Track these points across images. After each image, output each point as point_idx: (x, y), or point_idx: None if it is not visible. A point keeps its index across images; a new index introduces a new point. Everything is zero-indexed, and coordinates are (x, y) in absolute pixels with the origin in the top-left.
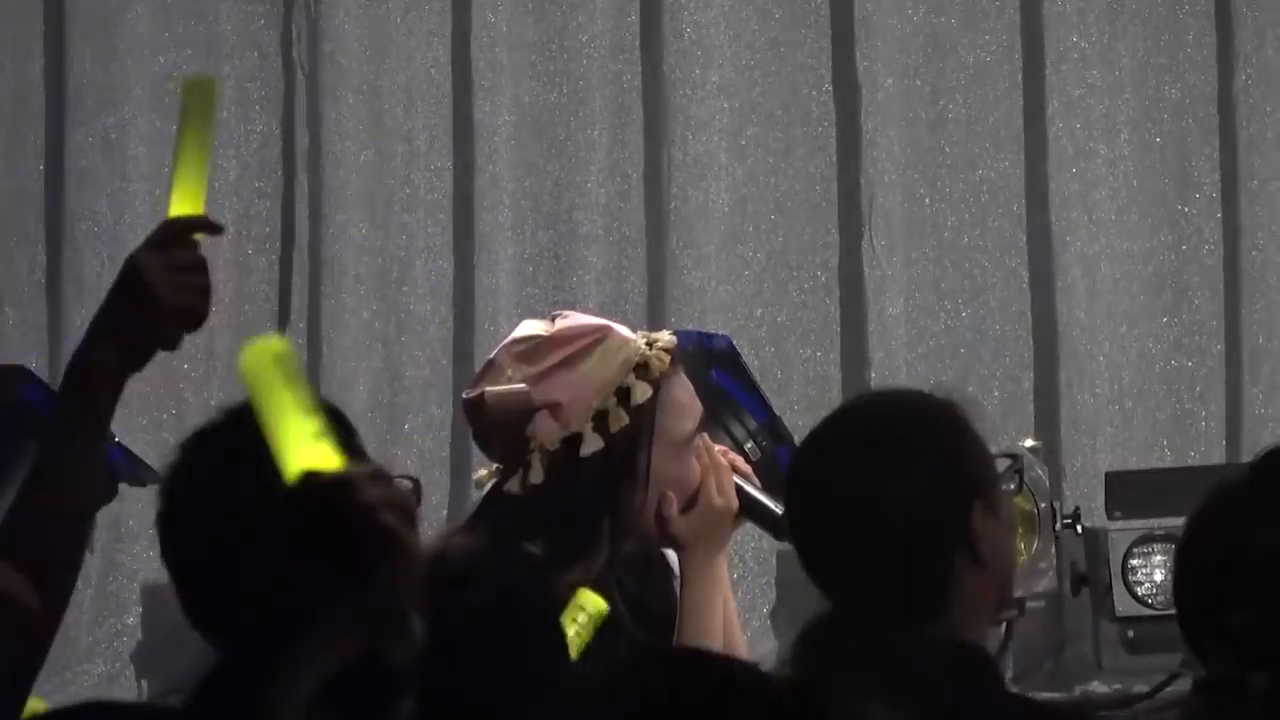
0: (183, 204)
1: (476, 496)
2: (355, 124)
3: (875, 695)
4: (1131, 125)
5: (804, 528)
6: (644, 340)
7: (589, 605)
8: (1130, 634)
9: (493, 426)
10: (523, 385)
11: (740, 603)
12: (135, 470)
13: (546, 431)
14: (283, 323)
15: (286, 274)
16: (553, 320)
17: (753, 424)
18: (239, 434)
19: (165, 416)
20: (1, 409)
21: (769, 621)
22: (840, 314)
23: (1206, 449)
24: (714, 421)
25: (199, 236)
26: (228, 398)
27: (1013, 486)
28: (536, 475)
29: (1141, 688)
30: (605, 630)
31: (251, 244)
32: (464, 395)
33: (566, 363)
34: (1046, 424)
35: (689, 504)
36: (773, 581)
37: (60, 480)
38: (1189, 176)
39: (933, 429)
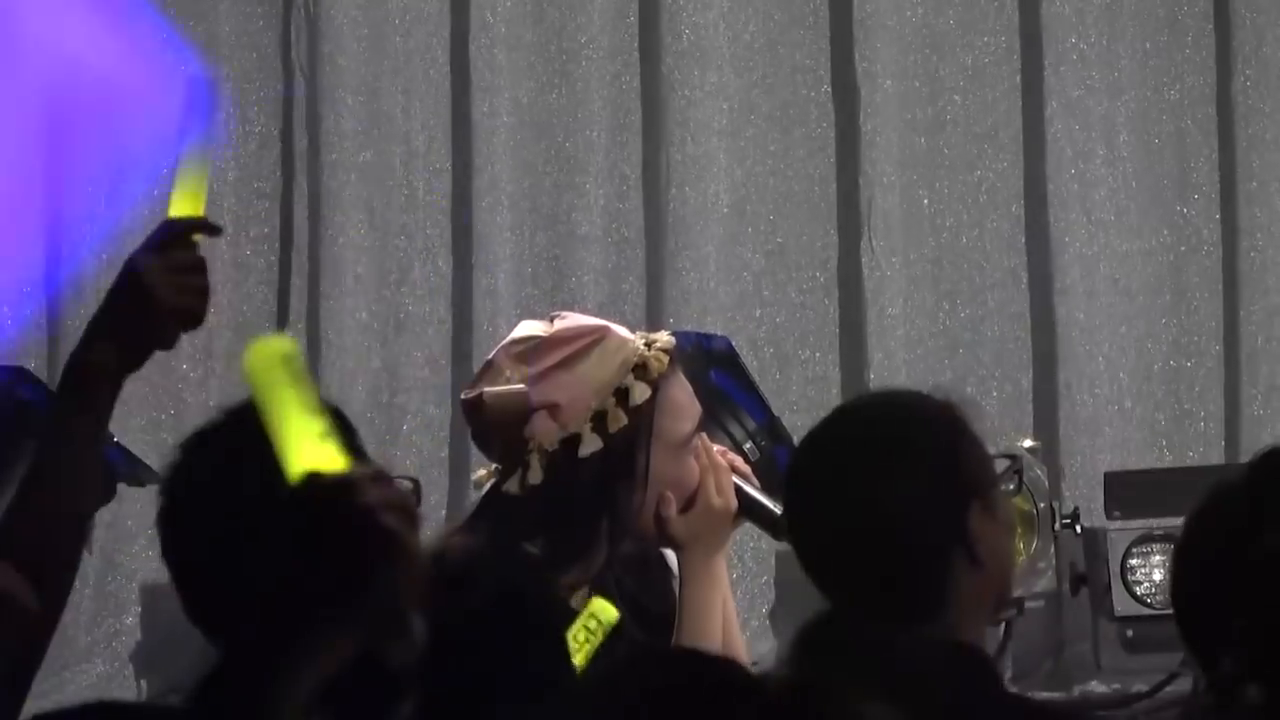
0: (183, 205)
1: (475, 497)
2: (354, 125)
3: (872, 695)
4: (1130, 126)
5: (802, 528)
6: (642, 341)
7: (601, 614)
8: (1129, 634)
9: (491, 427)
10: (521, 386)
11: (739, 603)
12: (134, 470)
13: (545, 432)
14: (281, 323)
15: (285, 274)
16: (551, 321)
17: (751, 424)
18: (240, 434)
19: (164, 416)
20: (0, 409)
21: (768, 621)
22: (839, 315)
23: (1205, 449)
24: (713, 422)
25: (198, 237)
26: (227, 398)
27: (1012, 487)
28: (535, 476)
29: (1141, 687)
30: (612, 637)
31: (250, 244)
32: (463, 396)
33: (565, 363)
34: (1046, 424)
35: (688, 504)
36: (772, 581)
37: (58, 480)
38: (1188, 177)
39: (930, 430)
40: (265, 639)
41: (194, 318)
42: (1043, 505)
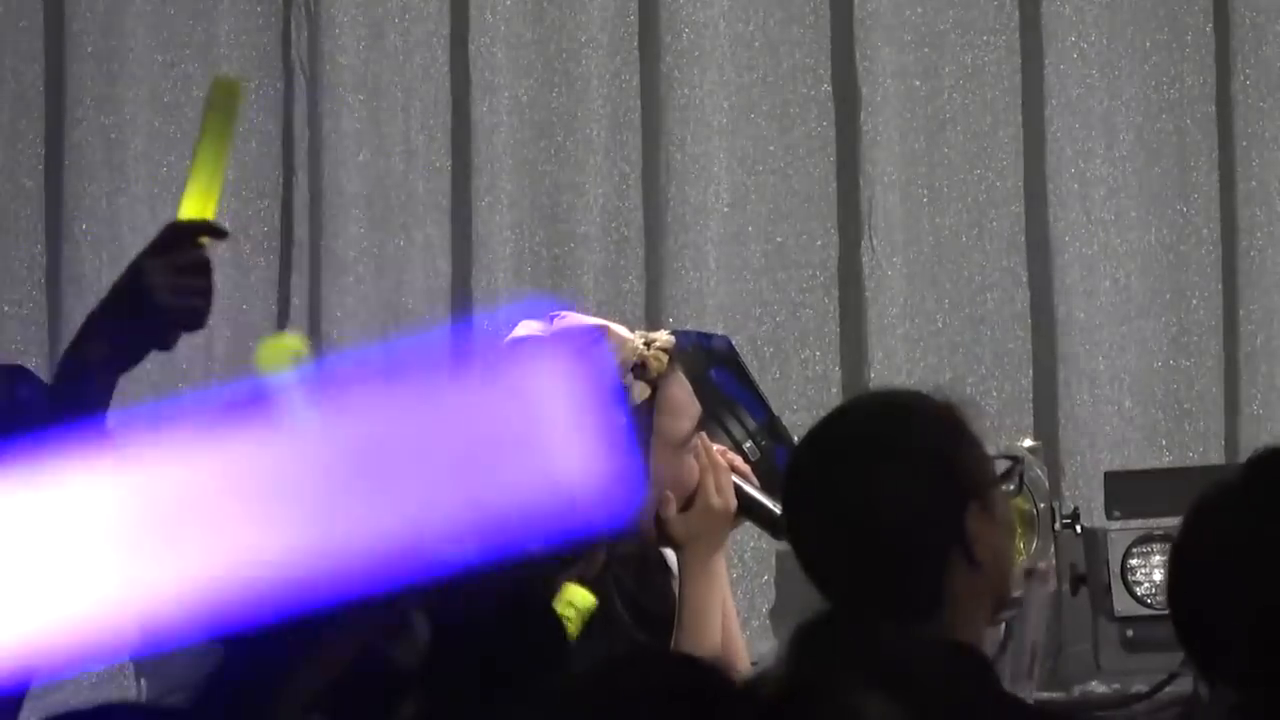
0: (193, 206)
1: None
2: (354, 124)
3: (868, 694)
4: (1130, 125)
5: (800, 527)
6: (642, 340)
7: (577, 600)
8: (1129, 634)
9: None
10: None
11: (739, 602)
12: None
13: None
14: (281, 323)
15: (285, 274)
16: (551, 321)
17: (751, 424)
18: None
19: None
20: None
21: (768, 621)
22: (839, 314)
23: (1205, 449)
24: (712, 421)
25: (205, 239)
26: None
27: (1013, 488)
28: None
29: (1140, 687)
30: (592, 625)
31: (250, 244)
32: None
33: None
34: (1046, 424)
35: (687, 504)
36: (772, 581)
37: None
38: (1188, 177)
39: (929, 431)
40: (265, 639)
41: (196, 318)
42: (1042, 505)
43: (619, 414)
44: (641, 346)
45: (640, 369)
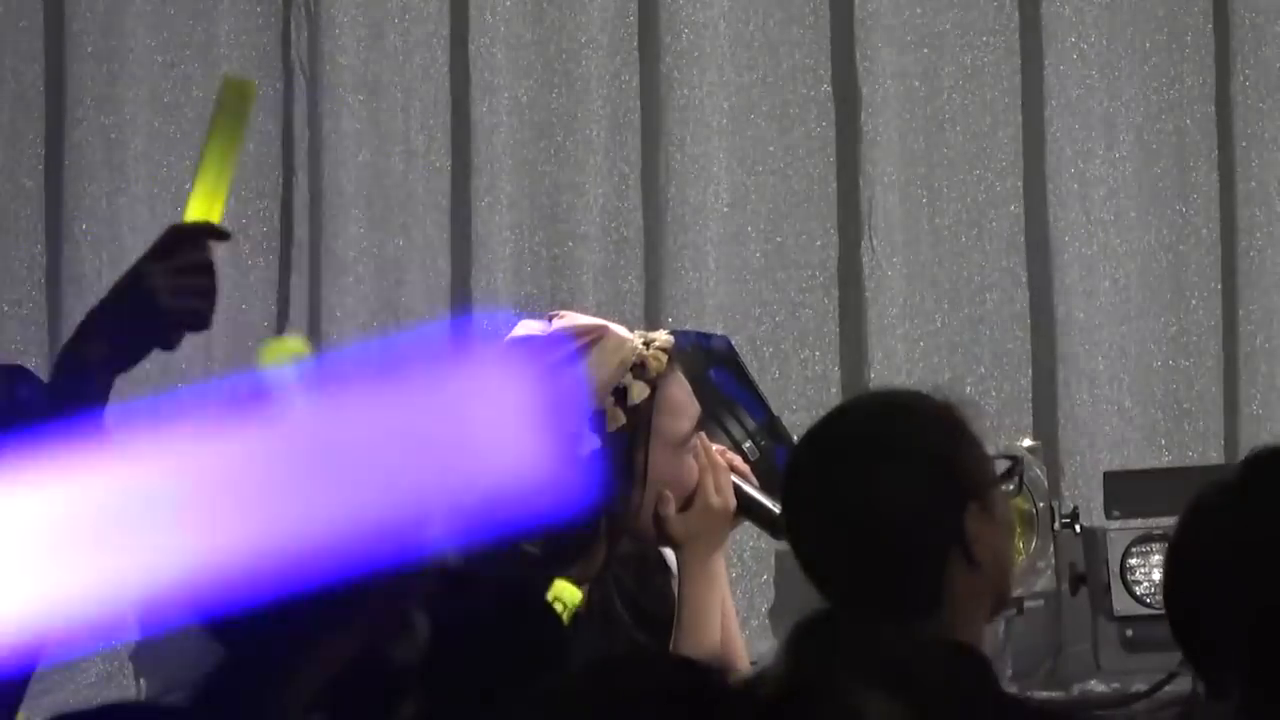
0: (199, 207)
1: None
2: (353, 124)
3: (868, 694)
4: (1130, 125)
5: (799, 526)
6: (641, 340)
7: (565, 596)
8: (1129, 633)
9: None
10: None
11: (739, 602)
12: None
13: None
14: (281, 323)
15: (285, 274)
16: (550, 320)
17: (751, 423)
18: None
19: None
20: None
21: (768, 621)
22: (839, 314)
23: (1205, 449)
24: (712, 421)
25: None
26: None
27: (1012, 488)
28: None
29: (1140, 687)
30: (592, 624)
31: (250, 244)
32: None
33: None
34: (1045, 424)
35: (686, 503)
36: (771, 580)
37: None
38: (1187, 177)
39: (928, 431)
40: (265, 639)
41: (199, 319)
42: (1042, 505)
43: (575, 421)
44: (641, 346)
45: (640, 369)
